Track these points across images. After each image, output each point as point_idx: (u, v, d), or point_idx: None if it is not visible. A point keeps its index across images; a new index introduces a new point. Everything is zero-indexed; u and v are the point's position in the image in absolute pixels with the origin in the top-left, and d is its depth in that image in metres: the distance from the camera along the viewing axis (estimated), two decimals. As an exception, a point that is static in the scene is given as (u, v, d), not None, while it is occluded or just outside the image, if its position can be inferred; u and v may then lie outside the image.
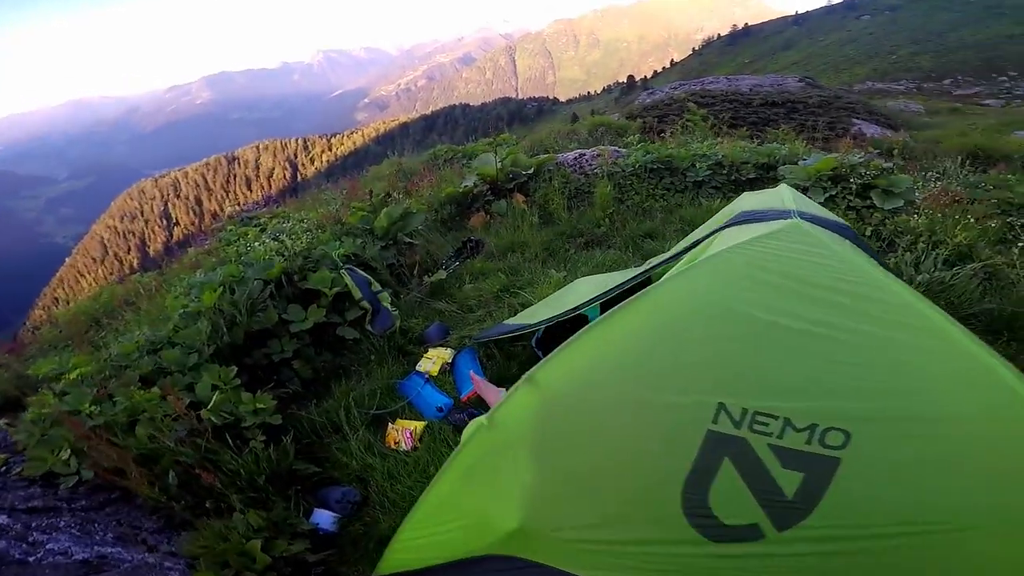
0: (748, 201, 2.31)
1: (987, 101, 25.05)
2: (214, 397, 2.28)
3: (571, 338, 1.25)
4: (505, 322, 3.04)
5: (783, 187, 2.08)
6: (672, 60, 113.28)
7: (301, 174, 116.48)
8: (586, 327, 1.24)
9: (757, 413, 1.06)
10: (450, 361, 2.96)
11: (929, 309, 1.17)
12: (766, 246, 1.31)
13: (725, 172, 5.55)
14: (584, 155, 6.07)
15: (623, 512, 1.15)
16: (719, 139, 7.51)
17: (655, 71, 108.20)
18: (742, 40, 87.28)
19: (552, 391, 1.20)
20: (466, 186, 5.82)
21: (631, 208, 5.15)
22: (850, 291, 1.19)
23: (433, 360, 2.96)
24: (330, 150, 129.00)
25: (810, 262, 1.26)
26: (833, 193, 4.97)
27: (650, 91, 15.29)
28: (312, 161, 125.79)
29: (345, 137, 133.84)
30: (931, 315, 1.14)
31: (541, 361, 1.26)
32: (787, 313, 1.19)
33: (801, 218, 1.43)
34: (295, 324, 2.95)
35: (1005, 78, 31.91)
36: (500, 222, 5.20)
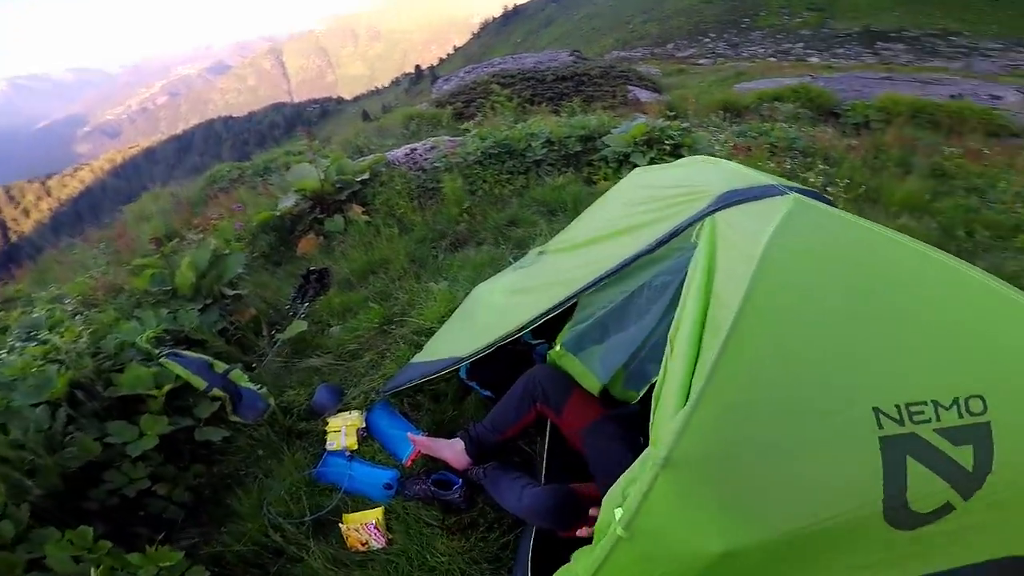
0: (668, 176, 2.27)
1: (701, 61, 30.70)
2: None
3: (666, 397, 1.08)
4: (414, 361, 2.61)
5: (713, 160, 2.10)
6: (455, 46, 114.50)
7: (15, 231, 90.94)
8: (701, 382, 1.01)
9: (908, 405, 1.05)
10: (364, 426, 2.46)
11: (954, 262, 1.27)
12: (801, 232, 1.29)
13: (557, 148, 5.72)
14: (416, 150, 5.70)
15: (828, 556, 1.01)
16: (528, 117, 7.79)
17: (440, 58, 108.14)
18: (513, 20, 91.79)
19: (701, 464, 0.95)
20: (284, 207, 4.99)
21: (485, 198, 4.98)
22: (887, 259, 1.22)
23: (343, 431, 2.41)
24: (49, 195, 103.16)
25: (844, 238, 1.28)
26: (652, 156, 5.47)
27: (445, 78, 15.24)
28: (27, 213, 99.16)
29: (68, 176, 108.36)
30: (960, 267, 1.24)
31: (665, 441, 0.97)
32: (864, 296, 1.20)
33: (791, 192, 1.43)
34: (132, 446, 2.12)
35: (708, 39, 39.70)
36: (342, 242, 4.58)
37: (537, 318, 1.94)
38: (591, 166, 5.65)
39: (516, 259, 3.54)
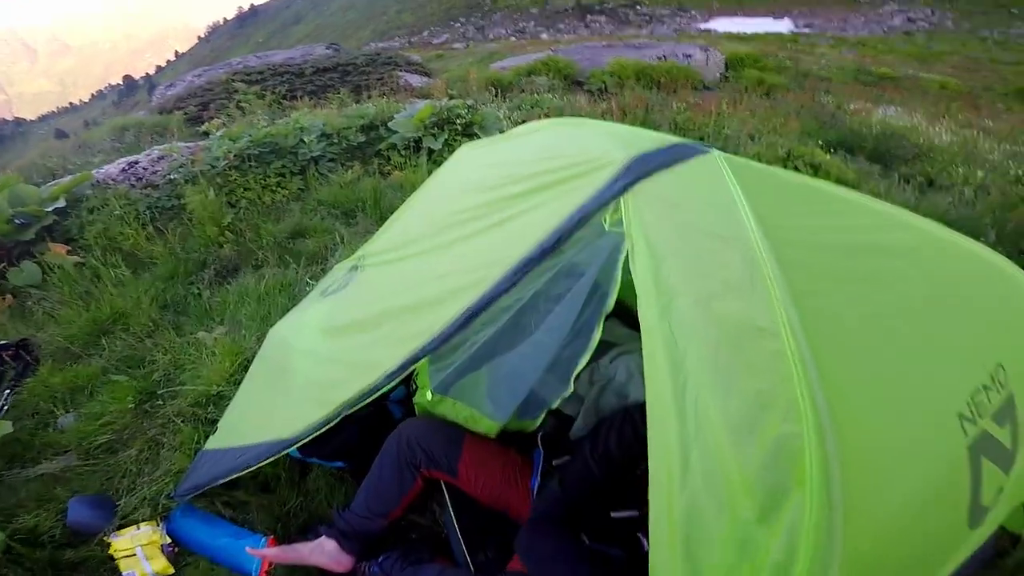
0: (524, 149, 1.87)
1: (455, 45, 31.72)
2: None
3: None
4: (211, 448, 1.81)
5: (575, 121, 1.73)
6: (177, 52, 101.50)
7: None
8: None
9: (972, 397, 0.91)
10: (169, 540, 1.74)
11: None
12: (771, 203, 1.09)
13: (336, 141, 4.97)
14: (138, 163, 4.34)
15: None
16: (288, 113, 6.78)
17: (158, 66, 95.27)
18: (251, 21, 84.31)
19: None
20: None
21: (252, 208, 4.01)
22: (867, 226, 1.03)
23: (140, 553, 1.66)
24: None
25: (818, 205, 1.13)
26: (446, 137, 5.11)
27: (168, 84, 12.76)
28: None
29: None
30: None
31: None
32: (877, 281, 1.06)
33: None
34: None
35: (459, 24, 41.27)
36: (43, 298, 3.21)
37: (400, 368, 1.36)
38: (380, 156, 5.10)
39: (317, 279, 2.84)
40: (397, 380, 1.35)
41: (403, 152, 5.03)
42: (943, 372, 1.02)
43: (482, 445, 1.68)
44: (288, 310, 2.34)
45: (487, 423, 1.68)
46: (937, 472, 0.86)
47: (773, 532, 0.72)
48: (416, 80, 10.80)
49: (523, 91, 8.78)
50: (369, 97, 7.80)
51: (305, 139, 4.65)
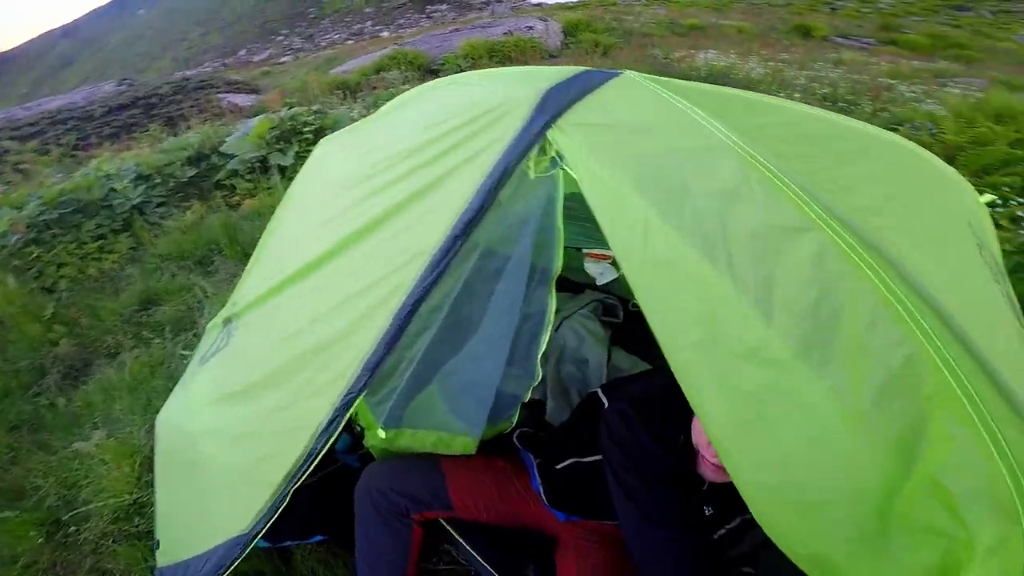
0: (401, 123, 1.57)
1: (283, 59, 29.74)
2: None
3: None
4: (164, 566, 1.44)
5: (448, 80, 1.42)
6: None
7: None
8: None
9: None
10: None
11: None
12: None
13: (161, 182, 4.23)
14: None
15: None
16: (84, 164, 5.75)
17: None
18: (3, 70, 72.15)
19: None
20: None
21: (77, 287, 3.24)
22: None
23: None
24: None
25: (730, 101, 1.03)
26: (297, 150, 4.58)
27: None
28: None
29: None
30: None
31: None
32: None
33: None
34: None
35: (282, 36, 38.55)
36: None
37: (333, 422, 1.09)
38: (221, 187, 4.46)
39: (192, 347, 2.36)
40: (335, 435, 1.09)
41: (248, 176, 4.41)
42: (964, 244, 0.90)
43: (464, 465, 1.43)
44: (170, 391, 1.96)
45: (462, 441, 1.42)
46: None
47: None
48: (243, 100, 9.79)
49: (375, 88, 8.35)
50: (188, 127, 6.86)
51: (116, 187, 3.87)
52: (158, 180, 4.24)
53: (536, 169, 1.04)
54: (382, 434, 1.41)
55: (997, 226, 3.07)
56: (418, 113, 1.53)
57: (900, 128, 4.27)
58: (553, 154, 1.03)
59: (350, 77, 9.95)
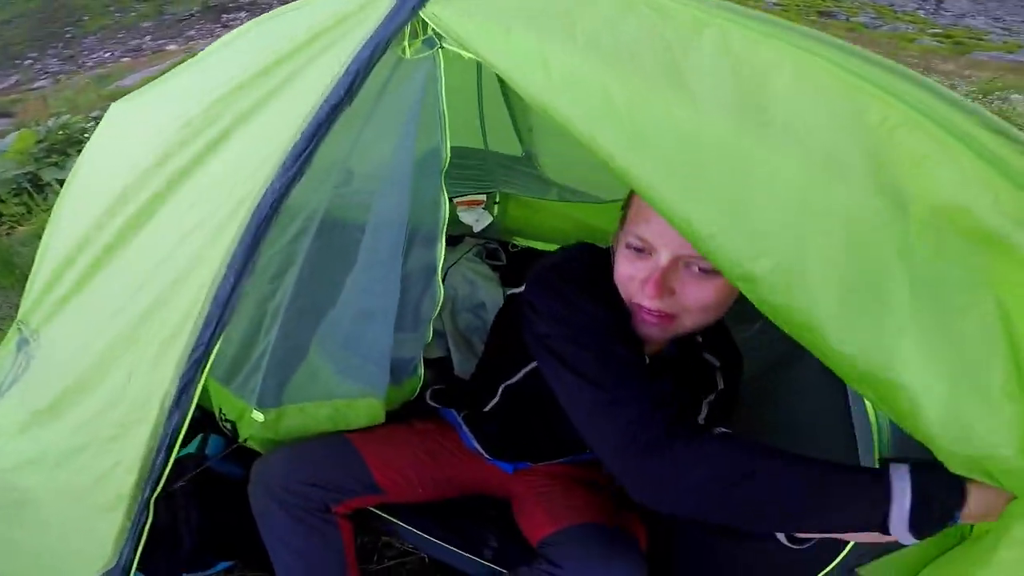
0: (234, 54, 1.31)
1: (38, 84, 25.17)
2: None
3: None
4: None
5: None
6: None
7: None
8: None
9: None
10: None
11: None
12: None
13: None
14: None
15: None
16: None
17: None
18: None
19: None
20: None
21: None
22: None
23: None
24: None
25: None
26: (76, 160, 3.84)
27: None
28: None
29: None
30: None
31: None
32: None
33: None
34: None
35: (31, 60, 32.45)
36: None
37: (183, 390, 0.86)
38: None
39: None
40: (191, 408, 0.85)
41: (18, 193, 3.63)
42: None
43: (381, 437, 1.17)
44: None
45: (366, 404, 1.16)
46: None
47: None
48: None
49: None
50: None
51: None
52: None
53: (412, 49, 0.93)
54: (260, 416, 1.13)
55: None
56: (248, 48, 1.29)
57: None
58: (430, 33, 0.92)
59: (137, 87, 8.75)
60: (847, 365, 0.60)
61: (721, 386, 1.03)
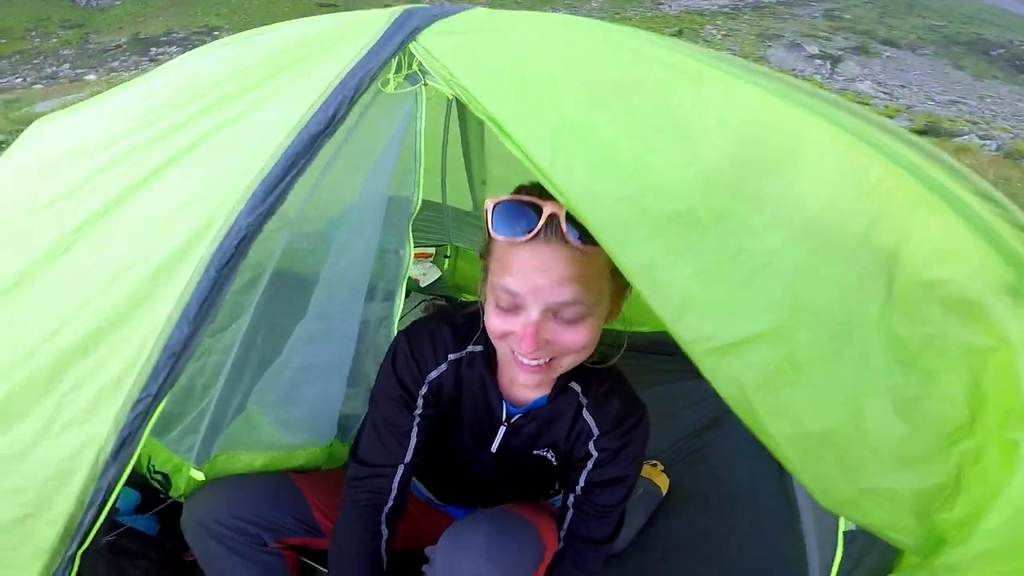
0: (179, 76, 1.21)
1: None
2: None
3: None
4: None
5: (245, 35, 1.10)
6: None
7: None
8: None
9: None
10: None
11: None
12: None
13: None
14: None
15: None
16: None
17: None
18: None
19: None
20: None
21: None
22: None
23: None
24: None
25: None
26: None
27: None
28: None
29: None
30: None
31: None
32: None
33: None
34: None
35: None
36: None
37: (123, 442, 0.76)
38: None
39: None
40: (131, 461, 0.75)
41: None
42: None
43: (323, 477, 1.15)
44: None
45: (306, 454, 1.13)
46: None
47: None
48: None
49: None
50: None
51: None
52: None
53: (394, 82, 0.89)
54: (199, 475, 1.06)
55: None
56: (210, 63, 1.21)
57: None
58: (415, 68, 0.89)
59: (51, 109, 8.17)
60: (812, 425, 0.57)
61: (595, 456, 0.96)
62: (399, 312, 1.24)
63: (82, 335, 0.77)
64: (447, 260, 2.32)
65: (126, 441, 0.73)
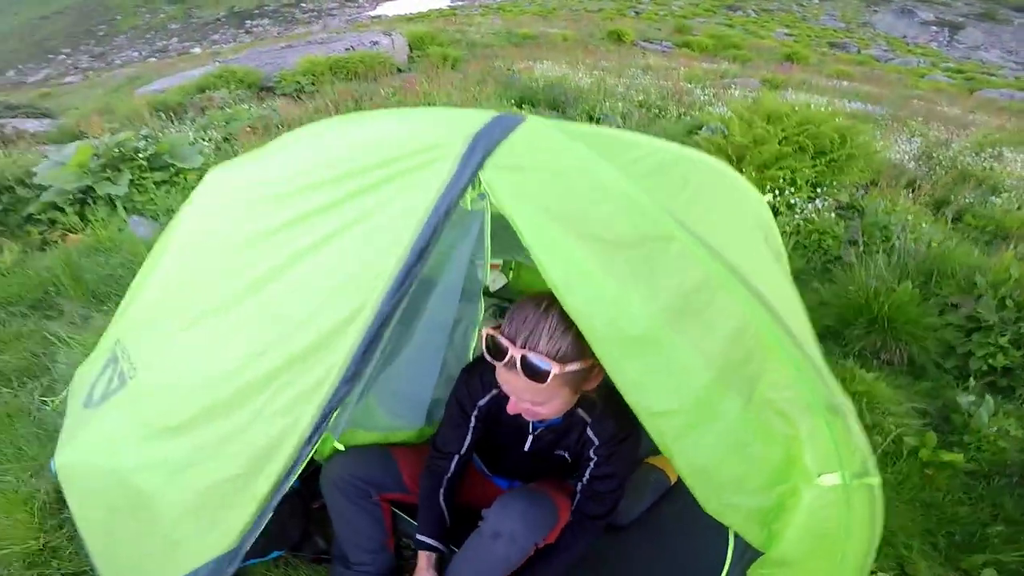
0: (312, 155, 1.63)
1: (68, 79, 25.86)
2: None
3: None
4: None
5: (344, 118, 1.57)
6: None
7: None
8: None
9: None
10: None
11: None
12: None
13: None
14: None
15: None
16: None
17: None
18: None
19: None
20: None
21: None
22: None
23: None
24: None
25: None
26: (131, 177, 4.21)
27: None
28: None
29: None
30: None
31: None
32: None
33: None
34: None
35: (64, 55, 33.15)
36: None
37: (316, 430, 1.19)
38: (34, 222, 4.01)
39: (50, 395, 2.27)
40: (317, 442, 1.20)
41: (69, 209, 3.99)
42: (755, 237, 1.37)
43: (414, 452, 1.65)
44: (43, 438, 2.04)
45: (403, 435, 1.68)
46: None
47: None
48: (34, 125, 8.42)
49: (204, 108, 7.73)
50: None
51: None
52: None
53: (470, 200, 1.26)
54: (340, 446, 1.62)
55: (777, 213, 3.93)
56: (327, 151, 1.59)
57: (700, 131, 5.27)
58: (482, 189, 1.21)
59: (168, 97, 9.04)
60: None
61: (595, 459, 1.40)
62: (482, 314, 1.72)
63: (279, 363, 1.22)
64: (511, 271, 2.78)
65: (317, 429, 1.16)
